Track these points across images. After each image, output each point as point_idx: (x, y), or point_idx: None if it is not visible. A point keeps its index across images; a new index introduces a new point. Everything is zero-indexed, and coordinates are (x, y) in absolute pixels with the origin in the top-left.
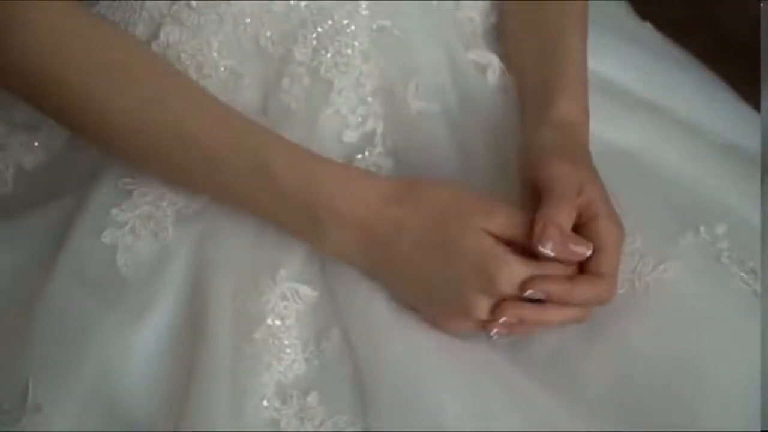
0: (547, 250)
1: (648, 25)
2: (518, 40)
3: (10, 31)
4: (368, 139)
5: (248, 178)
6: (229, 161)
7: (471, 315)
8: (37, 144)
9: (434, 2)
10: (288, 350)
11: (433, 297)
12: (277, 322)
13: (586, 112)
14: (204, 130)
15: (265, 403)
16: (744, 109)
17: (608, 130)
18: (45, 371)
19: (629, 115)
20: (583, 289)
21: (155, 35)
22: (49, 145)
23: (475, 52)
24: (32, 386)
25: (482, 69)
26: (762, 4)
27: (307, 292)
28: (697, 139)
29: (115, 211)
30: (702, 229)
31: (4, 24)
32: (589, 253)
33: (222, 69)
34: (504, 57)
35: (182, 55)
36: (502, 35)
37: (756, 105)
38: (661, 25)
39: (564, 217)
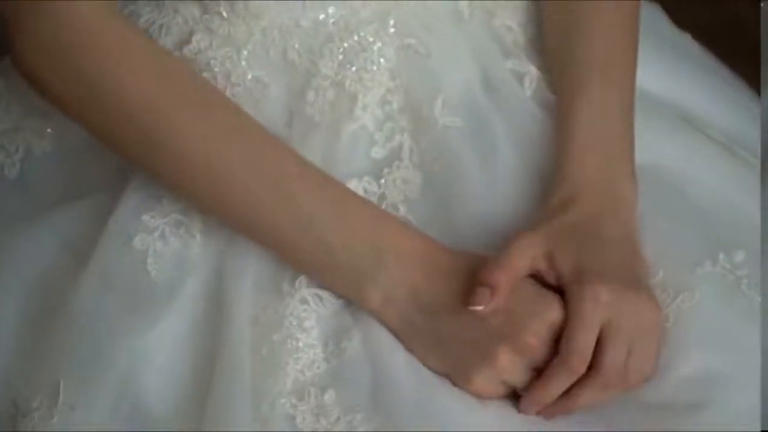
0: (476, 308)
1: (687, 36)
2: (551, 67)
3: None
4: (395, 154)
5: (320, 209)
6: (303, 193)
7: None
8: (49, 130)
9: (465, 15)
10: (306, 349)
11: (461, 345)
12: (294, 323)
13: (601, 172)
14: (275, 163)
15: (282, 400)
16: None
17: (644, 148)
18: (74, 372)
19: (668, 133)
20: (553, 375)
21: (188, 41)
22: (62, 133)
23: (514, 61)
24: (63, 387)
25: (520, 78)
26: (762, 4)
27: (330, 298)
28: (732, 157)
29: (145, 217)
30: (721, 256)
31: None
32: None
33: (249, 78)
34: (545, 70)
35: (212, 61)
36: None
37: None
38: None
39: (494, 279)
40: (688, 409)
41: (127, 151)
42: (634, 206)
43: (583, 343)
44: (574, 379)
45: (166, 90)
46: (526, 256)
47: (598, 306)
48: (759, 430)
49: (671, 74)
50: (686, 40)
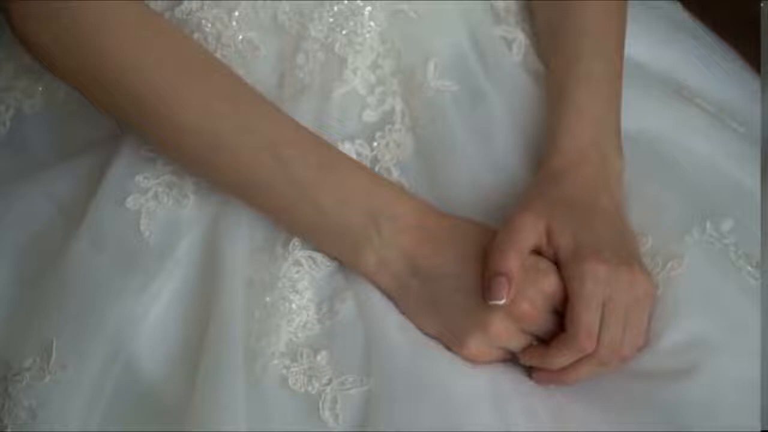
0: (498, 303)
1: (677, 5)
2: (541, 40)
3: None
4: (387, 117)
5: (314, 173)
6: (297, 158)
7: (488, 331)
8: (40, 89)
9: None
10: (299, 311)
11: (456, 309)
12: (288, 285)
13: (594, 145)
14: (267, 129)
15: (275, 361)
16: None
17: (635, 117)
18: (67, 332)
19: (658, 102)
20: (559, 351)
21: (179, 2)
22: (52, 92)
23: (503, 27)
24: (56, 346)
25: (509, 44)
26: (762, 4)
27: (324, 260)
28: (722, 126)
29: (138, 177)
30: (708, 225)
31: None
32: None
33: (240, 39)
34: (534, 36)
35: (203, 22)
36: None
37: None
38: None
39: (507, 265)
40: (678, 374)
41: (120, 115)
42: (622, 179)
43: (589, 322)
44: (581, 356)
45: (158, 55)
46: (532, 234)
47: (598, 284)
48: (759, 430)
49: (661, 44)
50: (677, 9)
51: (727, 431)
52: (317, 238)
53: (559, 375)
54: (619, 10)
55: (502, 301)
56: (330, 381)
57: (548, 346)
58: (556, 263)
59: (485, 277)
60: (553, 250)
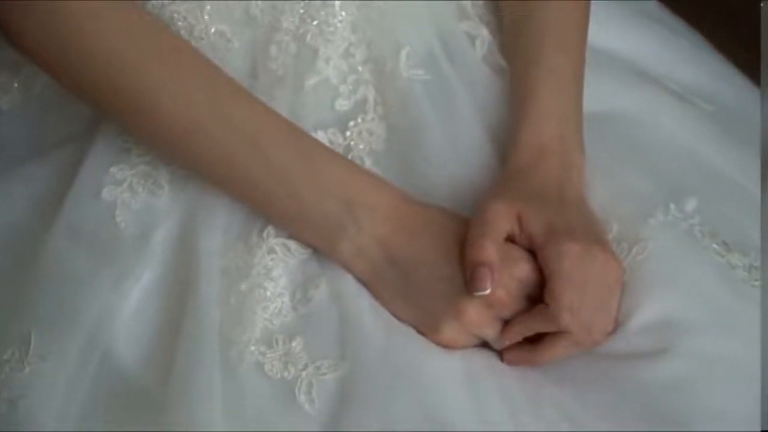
0: (483, 293)
1: None
2: (505, 37)
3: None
4: (360, 107)
5: (293, 163)
6: (275, 147)
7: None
8: (16, 85)
9: None
10: (274, 298)
11: (431, 297)
12: (262, 273)
13: (557, 139)
14: (246, 119)
15: (251, 348)
16: (735, 75)
17: (599, 99)
18: (45, 324)
19: (621, 83)
20: (535, 324)
21: None
22: (28, 88)
23: (468, 23)
24: (33, 337)
25: (472, 40)
26: (762, 4)
27: (298, 248)
28: (687, 105)
29: (113, 169)
30: (672, 206)
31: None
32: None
33: (212, 32)
34: (497, 33)
35: (175, 15)
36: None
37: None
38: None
39: (487, 255)
40: (650, 354)
41: (101, 107)
42: (584, 173)
43: (569, 300)
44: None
45: (136, 46)
46: (505, 222)
47: (575, 263)
48: (759, 430)
49: (624, 28)
50: None
51: (701, 408)
52: (294, 227)
53: (531, 355)
54: (583, 5)
55: (487, 291)
56: (305, 366)
57: (536, 342)
58: (531, 250)
59: (466, 269)
60: (526, 237)
